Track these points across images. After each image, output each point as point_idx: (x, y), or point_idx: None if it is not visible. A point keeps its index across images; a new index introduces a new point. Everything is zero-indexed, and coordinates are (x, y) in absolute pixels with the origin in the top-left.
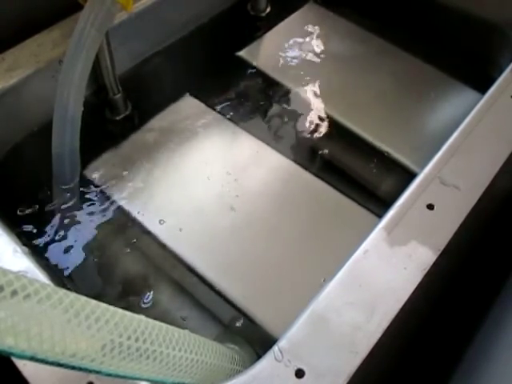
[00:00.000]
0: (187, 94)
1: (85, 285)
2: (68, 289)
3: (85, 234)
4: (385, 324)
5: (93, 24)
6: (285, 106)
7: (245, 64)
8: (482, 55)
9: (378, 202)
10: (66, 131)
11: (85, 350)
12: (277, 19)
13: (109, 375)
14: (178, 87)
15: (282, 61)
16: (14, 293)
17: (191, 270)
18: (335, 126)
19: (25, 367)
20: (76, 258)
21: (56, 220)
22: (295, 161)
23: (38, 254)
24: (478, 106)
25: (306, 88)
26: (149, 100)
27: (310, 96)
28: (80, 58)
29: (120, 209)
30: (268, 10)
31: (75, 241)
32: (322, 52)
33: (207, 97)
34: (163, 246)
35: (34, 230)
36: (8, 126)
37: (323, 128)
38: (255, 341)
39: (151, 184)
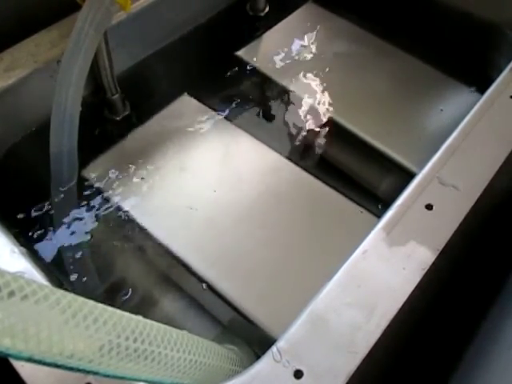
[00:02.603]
0: (185, 94)
1: (82, 285)
2: (65, 289)
3: (83, 234)
4: (384, 324)
5: (91, 24)
6: (283, 105)
7: (243, 64)
8: (481, 55)
9: (376, 203)
10: (64, 131)
11: (82, 351)
12: (275, 19)
13: (107, 376)
14: (176, 87)
15: (280, 61)
16: (12, 294)
17: (190, 271)
18: (334, 127)
19: (22, 368)
20: (74, 258)
21: (54, 220)
22: (294, 161)
23: (36, 255)
24: (477, 106)
25: (304, 88)
26: (147, 100)
27: (308, 96)
28: (78, 58)
29: (118, 209)
30: (267, 9)
31: (73, 241)
32: (321, 52)
33: (205, 97)
34: (162, 247)
35: (32, 230)
36: (6, 126)
37: (322, 128)
38: (254, 341)
39: (149, 184)
